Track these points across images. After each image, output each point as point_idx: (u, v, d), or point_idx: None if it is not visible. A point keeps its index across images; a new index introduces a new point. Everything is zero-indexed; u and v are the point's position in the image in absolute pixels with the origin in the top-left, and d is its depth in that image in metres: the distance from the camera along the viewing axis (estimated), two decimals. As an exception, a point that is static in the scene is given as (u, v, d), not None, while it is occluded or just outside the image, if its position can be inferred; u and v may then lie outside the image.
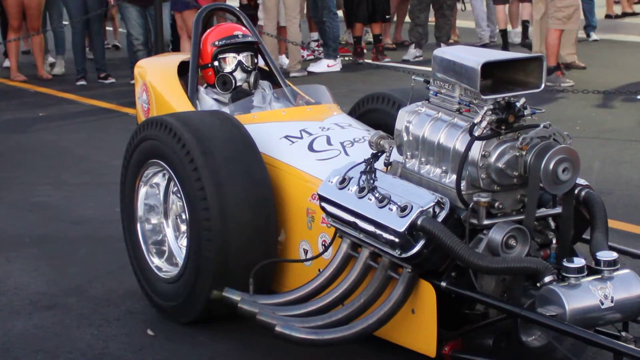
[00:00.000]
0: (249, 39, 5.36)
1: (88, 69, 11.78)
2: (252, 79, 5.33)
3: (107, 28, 13.67)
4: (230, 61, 5.30)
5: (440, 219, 3.79)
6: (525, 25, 13.44)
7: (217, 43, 5.30)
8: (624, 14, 15.90)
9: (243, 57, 5.31)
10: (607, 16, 15.74)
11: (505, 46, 13.16)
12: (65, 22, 12.24)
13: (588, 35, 14.08)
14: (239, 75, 5.30)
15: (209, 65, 5.32)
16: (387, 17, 13.02)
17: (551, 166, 3.71)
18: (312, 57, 12.87)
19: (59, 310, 4.96)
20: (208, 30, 5.43)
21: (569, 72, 11.24)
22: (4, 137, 9.02)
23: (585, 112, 9.37)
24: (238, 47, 5.31)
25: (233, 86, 5.29)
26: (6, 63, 12.61)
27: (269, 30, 11.66)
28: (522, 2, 13.57)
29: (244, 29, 5.45)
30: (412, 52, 12.97)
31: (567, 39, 11.37)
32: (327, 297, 4.13)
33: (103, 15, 11.82)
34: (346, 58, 12.30)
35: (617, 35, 14.36)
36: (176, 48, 11.55)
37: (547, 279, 3.64)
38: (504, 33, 13.33)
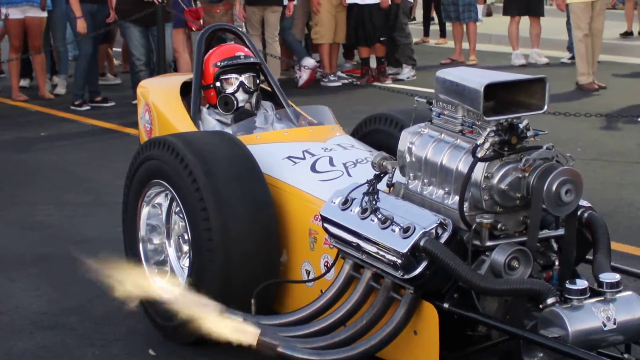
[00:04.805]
0: (251, 60, 5.37)
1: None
2: (254, 100, 5.34)
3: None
4: (232, 82, 5.32)
5: (442, 240, 3.79)
6: None
7: (219, 64, 5.31)
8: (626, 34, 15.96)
9: (245, 78, 5.33)
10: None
11: None
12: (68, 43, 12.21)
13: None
14: (240, 96, 5.31)
15: (211, 85, 5.33)
16: (381, 39, 12.96)
17: (554, 188, 3.71)
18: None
19: (60, 330, 4.95)
20: (210, 51, 5.45)
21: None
22: (6, 156, 9.02)
23: (586, 134, 9.37)
24: (240, 68, 5.33)
25: (235, 107, 5.30)
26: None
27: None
28: None
29: (246, 49, 5.47)
30: (407, 71, 13.04)
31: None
32: (330, 318, 4.12)
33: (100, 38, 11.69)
34: (356, 82, 12.42)
35: (619, 57, 14.36)
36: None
37: (549, 300, 3.63)
38: None
